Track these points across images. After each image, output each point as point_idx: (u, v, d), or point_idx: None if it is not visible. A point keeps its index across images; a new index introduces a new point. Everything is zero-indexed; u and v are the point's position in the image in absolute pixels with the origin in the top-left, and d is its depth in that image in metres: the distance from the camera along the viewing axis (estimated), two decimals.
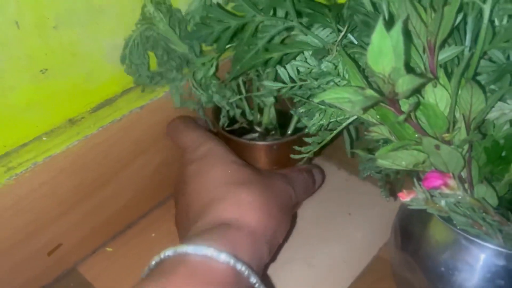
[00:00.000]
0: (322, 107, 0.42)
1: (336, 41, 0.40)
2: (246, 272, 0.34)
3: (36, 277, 0.46)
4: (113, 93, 0.48)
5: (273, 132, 0.52)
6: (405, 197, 0.34)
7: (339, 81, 0.41)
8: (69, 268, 0.49)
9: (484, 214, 0.33)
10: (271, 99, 0.48)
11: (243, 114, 0.51)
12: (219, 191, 0.40)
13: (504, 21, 0.33)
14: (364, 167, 0.48)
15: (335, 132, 0.44)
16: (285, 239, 0.50)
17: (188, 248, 0.33)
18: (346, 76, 0.41)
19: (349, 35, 0.40)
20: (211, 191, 0.40)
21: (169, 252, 0.34)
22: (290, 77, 0.44)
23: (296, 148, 0.46)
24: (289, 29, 0.42)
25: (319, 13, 0.40)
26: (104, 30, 0.44)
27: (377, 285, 0.47)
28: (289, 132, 0.50)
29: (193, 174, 0.42)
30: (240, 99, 0.50)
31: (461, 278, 0.34)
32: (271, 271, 0.48)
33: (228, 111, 0.49)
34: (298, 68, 0.43)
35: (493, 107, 0.32)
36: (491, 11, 0.31)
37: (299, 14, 0.41)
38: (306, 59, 0.43)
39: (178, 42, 0.46)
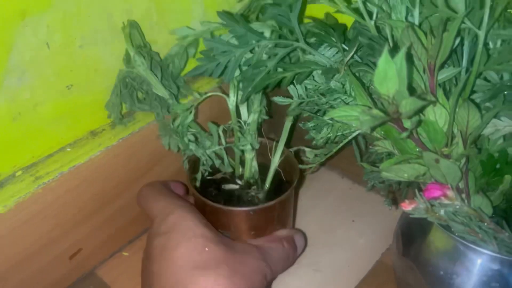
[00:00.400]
0: (330, 122, 0.45)
1: (342, 60, 0.43)
2: None
3: (58, 280, 0.49)
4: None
5: (254, 186, 0.49)
6: (407, 206, 0.37)
7: (345, 98, 0.44)
8: (88, 272, 0.51)
9: (480, 222, 0.36)
10: (249, 148, 0.47)
11: (223, 163, 0.49)
12: (182, 276, 0.37)
13: (498, 44, 0.36)
14: (368, 177, 0.51)
15: (340, 144, 0.47)
16: None
17: None
18: (353, 94, 0.44)
19: (356, 56, 0.42)
20: (174, 275, 0.38)
21: None
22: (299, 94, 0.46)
23: (305, 158, 0.49)
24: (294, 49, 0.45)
25: (325, 34, 0.43)
26: (123, 48, 0.46)
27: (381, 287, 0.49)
28: (266, 186, 0.49)
29: (157, 252, 0.40)
30: (221, 149, 0.48)
31: (459, 282, 0.37)
32: (277, 280, 0.51)
33: (206, 161, 0.47)
34: (306, 85, 0.46)
35: (488, 123, 0.35)
36: (486, 36, 0.34)
37: (304, 34, 0.44)
38: (313, 77, 0.46)
39: (159, 86, 0.46)
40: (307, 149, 0.46)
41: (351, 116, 0.34)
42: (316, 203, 0.59)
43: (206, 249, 0.39)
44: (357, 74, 0.42)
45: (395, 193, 0.52)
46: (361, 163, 0.44)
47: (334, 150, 0.47)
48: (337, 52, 0.45)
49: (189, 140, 0.46)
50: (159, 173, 0.52)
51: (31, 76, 0.41)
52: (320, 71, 0.44)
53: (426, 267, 0.39)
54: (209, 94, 0.46)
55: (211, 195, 0.48)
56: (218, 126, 0.46)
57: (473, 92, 0.36)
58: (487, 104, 0.36)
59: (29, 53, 0.40)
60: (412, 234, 0.42)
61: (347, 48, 0.42)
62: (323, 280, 0.50)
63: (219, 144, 0.47)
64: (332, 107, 0.46)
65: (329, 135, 0.45)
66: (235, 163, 0.49)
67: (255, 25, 0.43)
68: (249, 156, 0.48)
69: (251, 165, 0.48)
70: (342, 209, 0.59)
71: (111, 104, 0.47)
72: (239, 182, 0.49)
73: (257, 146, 0.47)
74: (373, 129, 0.34)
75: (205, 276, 0.37)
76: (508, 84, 0.35)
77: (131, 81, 0.46)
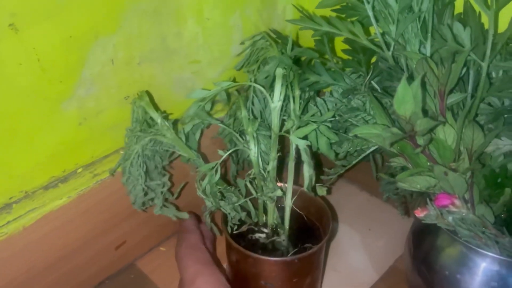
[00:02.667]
0: (350, 137, 0.50)
1: (365, 81, 0.49)
2: None
3: (104, 267, 0.55)
4: (175, 117, 0.57)
5: (280, 230, 0.51)
6: (419, 213, 0.42)
7: (365, 116, 0.50)
8: (129, 263, 0.58)
9: (483, 228, 0.41)
10: (278, 192, 0.48)
11: (248, 215, 0.51)
12: None
13: (500, 74, 0.42)
14: (384, 189, 0.56)
15: (359, 158, 0.52)
16: None
17: None
18: (372, 113, 0.50)
19: (372, 82, 0.48)
20: None
21: None
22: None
23: (325, 169, 0.54)
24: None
25: (353, 61, 0.49)
26: (174, 67, 0.53)
27: None
28: (286, 227, 0.50)
29: None
30: (246, 201, 0.49)
31: (462, 280, 0.42)
32: None
33: (236, 214, 0.48)
34: (328, 103, 0.52)
35: (490, 142, 0.41)
36: (488, 67, 0.40)
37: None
38: (337, 93, 0.51)
39: (185, 149, 0.47)
40: (318, 185, 0.49)
41: (372, 134, 0.40)
42: (336, 213, 0.65)
43: None
44: (375, 97, 0.47)
45: (408, 204, 0.57)
46: (380, 174, 0.49)
47: (353, 163, 0.52)
48: (358, 76, 0.51)
49: (218, 198, 0.47)
50: (192, 195, 0.58)
51: (97, 88, 0.47)
52: (340, 90, 0.50)
53: (434, 267, 0.44)
54: (232, 150, 0.48)
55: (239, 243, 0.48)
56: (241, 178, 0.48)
57: (477, 115, 0.42)
58: (490, 125, 0.41)
59: (97, 68, 0.46)
60: (422, 238, 0.47)
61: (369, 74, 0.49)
62: (341, 279, 0.55)
63: (245, 197, 0.48)
64: (352, 124, 0.52)
65: (349, 149, 0.51)
66: (259, 211, 0.50)
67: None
68: (271, 203, 0.49)
69: (274, 211, 0.50)
70: (360, 219, 0.64)
71: (130, 178, 0.46)
72: (264, 230, 0.51)
73: (280, 193, 0.48)
74: (391, 144, 0.40)
75: None
76: (508, 108, 0.40)
77: (153, 150, 0.47)
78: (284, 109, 0.48)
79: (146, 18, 0.48)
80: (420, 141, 0.40)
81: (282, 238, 0.50)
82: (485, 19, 0.40)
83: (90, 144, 0.50)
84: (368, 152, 0.51)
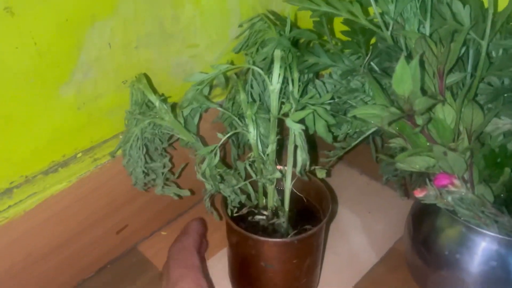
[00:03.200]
0: (349, 119, 0.50)
1: (364, 62, 0.49)
2: None
3: (106, 252, 0.55)
4: (174, 100, 0.57)
5: (280, 212, 0.50)
6: (419, 193, 0.42)
7: (364, 97, 0.50)
8: (131, 247, 0.58)
9: (483, 207, 0.41)
10: (277, 174, 0.47)
11: (248, 197, 0.51)
12: None
13: (500, 53, 0.41)
14: (383, 171, 0.56)
15: (358, 139, 0.52)
16: None
17: None
18: (371, 94, 0.49)
19: (372, 63, 0.48)
20: None
21: None
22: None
23: (325, 152, 0.54)
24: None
25: (352, 42, 0.49)
26: (172, 51, 0.53)
27: (393, 271, 0.54)
28: (286, 209, 0.50)
29: None
30: (246, 184, 0.49)
31: (462, 260, 0.42)
32: None
33: (236, 197, 0.48)
34: (327, 85, 0.52)
35: (489, 122, 0.40)
36: (488, 46, 0.39)
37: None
38: (337, 75, 0.51)
39: (184, 132, 0.47)
40: (317, 168, 0.48)
41: (372, 114, 0.40)
42: (336, 195, 0.65)
43: None
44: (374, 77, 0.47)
45: (407, 185, 0.57)
46: (380, 155, 0.49)
47: (353, 145, 0.52)
48: (358, 57, 0.51)
49: (218, 181, 0.47)
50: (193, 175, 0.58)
51: (95, 72, 0.47)
52: (339, 72, 0.50)
53: (433, 248, 0.45)
54: (231, 133, 0.47)
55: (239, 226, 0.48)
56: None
57: (476, 94, 0.41)
58: (489, 105, 0.41)
59: (94, 52, 0.46)
60: (421, 219, 0.47)
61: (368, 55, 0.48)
62: (342, 262, 0.56)
63: (245, 180, 0.48)
64: (351, 106, 0.51)
65: (348, 131, 0.51)
66: (259, 194, 0.50)
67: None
68: (271, 186, 0.49)
69: (273, 194, 0.50)
70: (359, 202, 0.64)
71: (130, 160, 0.46)
72: (264, 212, 0.51)
73: (279, 175, 0.47)
74: (390, 124, 0.40)
75: None
76: (508, 87, 0.40)
77: (153, 132, 0.47)
78: (283, 91, 0.47)
79: (142, 1, 0.47)
80: (419, 120, 0.39)
81: (282, 220, 0.50)
82: None
83: (89, 129, 0.50)
84: (367, 134, 0.51)
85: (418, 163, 0.42)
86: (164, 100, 0.48)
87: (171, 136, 0.50)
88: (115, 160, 0.50)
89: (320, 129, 0.44)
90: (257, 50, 0.48)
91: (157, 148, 0.48)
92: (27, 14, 0.39)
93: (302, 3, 0.44)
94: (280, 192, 0.50)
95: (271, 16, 0.52)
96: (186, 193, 0.51)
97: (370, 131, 0.50)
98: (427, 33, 0.42)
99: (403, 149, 0.46)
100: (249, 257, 0.47)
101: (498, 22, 0.38)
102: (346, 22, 0.47)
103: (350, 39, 0.50)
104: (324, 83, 0.51)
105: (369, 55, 0.47)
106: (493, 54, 0.41)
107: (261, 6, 0.60)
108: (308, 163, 0.45)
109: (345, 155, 0.54)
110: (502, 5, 0.39)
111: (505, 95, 0.40)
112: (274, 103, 0.45)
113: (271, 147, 0.46)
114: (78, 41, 0.44)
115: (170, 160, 0.51)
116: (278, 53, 0.43)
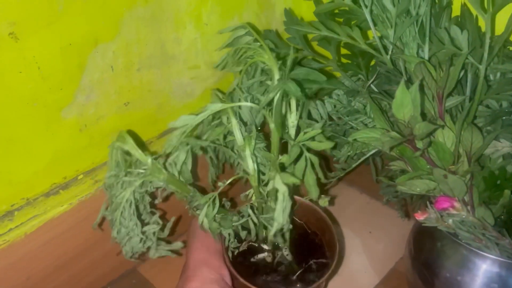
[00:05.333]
0: (350, 141, 0.50)
1: (364, 84, 0.49)
2: None
3: (105, 273, 0.55)
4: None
5: (280, 244, 0.49)
6: (420, 216, 0.43)
7: (364, 119, 0.50)
8: (131, 268, 0.58)
9: (483, 230, 0.41)
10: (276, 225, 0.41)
11: (248, 232, 0.48)
12: None
13: (497, 76, 0.42)
14: (384, 192, 0.56)
15: (359, 161, 0.52)
16: None
17: None
18: (371, 116, 0.50)
19: (371, 85, 0.49)
20: None
21: None
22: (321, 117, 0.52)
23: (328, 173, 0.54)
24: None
25: (353, 64, 0.49)
26: (173, 73, 0.54)
27: None
28: (286, 239, 0.49)
29: None
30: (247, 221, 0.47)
31: (463, 282, 0.42)
32: None
33: (235, 236, 0.47)
34: (331, 104, 0.52)
35: (489, 144, 0.41)
36: (486, 70, 0.40)
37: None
38: (338, 96, 0.52)
39: (182, 186, 0.43)
40: (321, 197, 0.47)
41: (372, 138, 0.40)
42: (337, 216, 0.65)
43: None
44: (375, 99, 0.48)
45: (408, 206, 0.57)
46: (380, 177, 0.49)
47: (353, 166, 0.53)
48: (358, 79, 0.52)
49: (219, 226, 0.45)
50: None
51: (97, 94, 0.48)
52: (342, 92, 0.51)
53: (434, 270, 0.44)
54: (230, 179, 0.45)
55: (243, 267, 0.47)
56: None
57: (475, 117, 0.42)
58: (488, 128, 0.42)
59: (97, 75, 0.47)
60: (422, 241, 0.47)
61: (369, 77, 0.49)
62: (341, 283, 0.56)
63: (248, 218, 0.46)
64: (352, 128, 0.52)
65: (349, 153, 0.51)
66: (259, 227, 0.48)
67: None
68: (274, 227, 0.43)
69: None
70: (360, 222, 0.64)
71: (121, 229, 0.42)
72: (265, 247, 0.49)
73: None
74: (391, 149, 0.40)
75: None
76: (506, 110, 0.41)
77: (141, 192, 0.42)
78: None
79: (144, 24, 0.48)
80: (420, 144, 0.40)
81: (286, 253, 0.48)
82: (482, 23, 0.40)
83: (90, 151, 0.50)
84: (368, 155, 0.51)
85: (418, 186, 0.42)
86: (156, 158, 0.42)
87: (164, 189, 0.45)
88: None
89: (309, 182, 0.40)
90: (246, 70, 0.44)
91: (145, 207, 0.44)
92: (31, 39, 0.40)
93: (303, 28, 0.45)
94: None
95: (255, 28, 0.47)
96: (178, 245, 0.46)
97: (370, 153, 0.50)
98: (426, 57, 0.42)
99: (403, 171, 0.46)
100: None
101: (496, 46, 0.39)
102: (346, 45, 0.48)
103: (350, 61, 0.50)
104: (324, 102, 0.51)
105: (372, 79, 0.47)
106: (491, 77, 0.42)
107: (262, 27, 0.60)
108: (287, 227, 0.43)
109: (345, 175, 0.54)
110: (499, 29, 0.40)
111: (504, 118, 0.41)
112: (274, 149, 0.41)
113: (271, 184, 0.39)
114: (81, 64, 0.45)
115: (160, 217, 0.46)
116: (279, 99, 0.38)
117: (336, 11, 0.48)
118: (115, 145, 0.41)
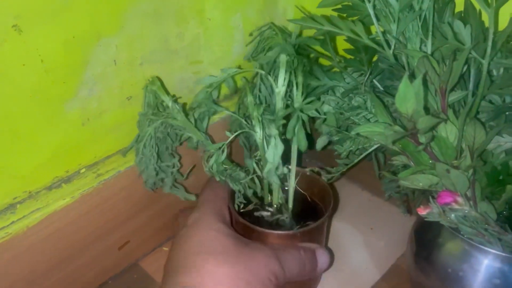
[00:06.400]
0: (352, 136, 0.50)
1: (364, 80, 0.49)
2: None
3: (107, 268, 0.55)
4: None
5: (283, 209, 0.53)
6: (422, 211, 0.42)
7: (366, 114, 0.50)
8: (132, 263, 0.58)
9: (486, 225, 0.41)
10: (268, 165, 0.47)
11: (255, 193, 0.53)
12: (188, 260, 0.41)
13: (501, 71, 0.42)
14: (386, 187, 0.56)
15: (361, 156, 0.52)
16: None
17: None
18: (373, 111, 0.50)
19: (374, 81, 0.49)
20: (183, 259, 0.41)
21: None
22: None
23: (327, 168, 0.55)
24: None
25: (355, 60, 0.49)
26: (175, 68, 0.54)
27: None
28: (290, 206, 0.52)
29: (179, 239, 0.44)
30: (253, 180, 0.51)
31: (465, 278, 0.42)
32: None
33: (242, 192, 0.50)
34: (330, 102, 0.52)
35: (491, 140, 0.41)
36: (489, 65, 0.40)
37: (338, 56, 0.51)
38: (338, 96, 0.52)
39: (195, 131, 0.49)
40: (322, 171, 0.51)
41: (375, 132, 0.40)
42: (338, 212, 0.65)
43: (215, 240, 0.42)
44: (378, 96, 0.48)
45: (409, 202, 0.57)
46: (382, 172, 0.49)
47: (356, 161, 0.53)
48: (360, 75, 0.52)
49: (225, 176, 0.49)
50: (197, 177, 0.59)
51: (100, 88, 0.48)
52: (341, 90, 0.51)
53: (436, 265, 0.44)
54: (239, 132, 0.49)
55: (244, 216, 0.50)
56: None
57: (478, 112, 0.42)
58: (491, 123, 0.42)
59: (99, 69, 0.47)
60: (424, 236, 0.47)
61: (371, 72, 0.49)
62: (342, 278, 0.56)
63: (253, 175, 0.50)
64: (354, 123, 0.52)
65: (351, 148, 0.51)
66: (264, 192, 0.52)
67: None
68: (276, 184, 0.50)
69: (278, 191, 0.52)
70: (361, 218, 0.64)
71: (142, 158, 0.48)
72: (269, 209, 0.53)
73: (286, 170, 0.49)
74: (394, 142, 0.40)
75: (208, 260, 0.40)
76: (509, 105, 0.41)
77: (164, 132, 0.49)
78: (288, 94, 0.49)
79: (148, 19, 0.48)
80: (422, 139, 0.40)
81: (286, 216, 0.52)
82: (485, 17, 0.40)
83: (93, 145, 0.50)
84: (370, 150, 0.51)
85: (421, 180, 0.42)
86: (175, 100, 0.49)
87: (181, 136, 0.52)
88: (118, 176, 0.50)
89: (299, 136, 0.46)
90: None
91: (167, 148, 0.50)
92: (34, 31, 0.40)
93: (306, 23, 0.45)
94: (285, 191, 0.52)
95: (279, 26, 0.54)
96: (191, 197, 0.53)
97: (372, 148, 0.50)
98: (429, 52, 0.42)
99: (405, 166, 0.46)
100: None
101: (499, 41, 0.39)
102: (349, 40, 0.48)
103: (352, 57, 0.50)
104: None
105: (368, 74, 0.48)
106: (494, 72, 0.42)
107: (265, 23, 0.60)
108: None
109: (347, 170, 0.54)
110: (503, 24, 0.40)
111: (507, 113, 0.41)
112: (278, 105, 0.47)
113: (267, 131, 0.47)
114: (84, 58, 0.45)
115: (179, 161, 0.52)
116: (283, 58, 0.46)
117: (339, 6, 0.48)
118: (147, 88, 0.49)
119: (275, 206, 0.52)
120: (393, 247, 0.59)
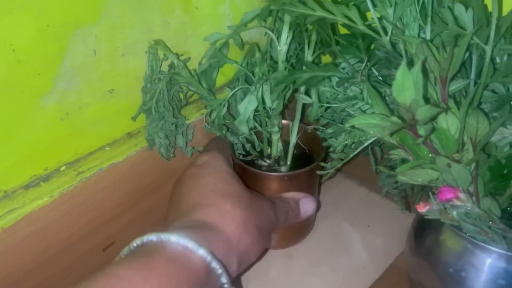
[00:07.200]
0: (348, 129, 0.48)
1: (361, 69, 0.47)
2: (219, 271, 0.35)
3: (91, 270, 0.52)
4: None
5: (281, 162, 0.56)
6: (422, 208, 0.40)
7: (362, 105, 0.48)
8: None
9: (490, 223, 0.39)
10: (275, 129, 0.52)
11: (253, 147, 0.56)
12: (206, 197, 0.42)
13: (504, 58, 0.39)
14: (383, 183, 0.54)
15: (357, 150, 0.50)
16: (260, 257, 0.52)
17: (171, 237, 0.34)
18: (369, 101, 0.47)
19: (373, 69, 0.46)
20: (199, 195, 0.43)
21: (152, 237, 0.35)
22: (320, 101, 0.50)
23: (322, 164, 0.52)
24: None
25: (353, 46, 0.47)
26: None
27: None
28: (288, 161, 0.55)
29: (189, 177, 0.46)
30: (251, 134, 0.53)
31: (468, 278, 0.40)
32: (300, 274, 0.54)
33: (241, 144, 0.54)
34: (325, 92, 0.50)
35: (495, 131, 0.38)
36: (492, 51, 0.37)
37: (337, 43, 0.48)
38: (333, 86, 0.49)
39: (198, 86, 0.51)
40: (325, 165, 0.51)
41: (371, 124, 0.37)
42: (334, 209, 0.62)
43: (229, 183, 0.45)
44: (373, 85, 0.45)
45: (408, 198, 0.55)
46: (379, 167, 0.47)
47: (351, 156, 0.50)
48: (358, 61, 0.49)
49: (226, 130, 0.53)
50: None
51: (79, 81, 0.45)
52: (337, 79, 0.48)
53: (437, 265, 0.42)
54: (238, 88, 0.51)
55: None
56: None
57: (481, 103, 0.39)
58: (494, 113, 0.39)
59: (78, 60, 0.44)
60: (424, 234, 0.45)
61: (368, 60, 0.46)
62: (340, 278, 0.53)
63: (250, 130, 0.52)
64: (349, 115, 0.49)
65: (346, 142, 0.49)
66: (264, 144, 0.55)
67: None
68: (275, 137, 0.54)
69: (277, 145, 0.55)
70: (359, 215, 0.62)
71: (157, 115, 0.49)
72: (268, 161, 0.56)
73: (280, 125, 0.53)
74: (391, 134, 0.37)
75: (225, 201, 0.42)
76: None
77: (175, 83, 0.51)
78: (296, 53, 0.51)
79: (130, 7, 0.45)
80: (421, 131, 0.37)
81: (283, 168, 0.55)
82: (488, 1, 0.37)
83: (73, 141, 0.47)
84: (366, 144, 0.48)
85: (420, 176, 0.40)
86: (179, 58, 0.50)
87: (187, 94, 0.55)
88: (100, 174, 0.48)
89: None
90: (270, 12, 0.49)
91: (176, 107, 0.52)
92: (3, 19, 0.37)
93: (297, 8, 0.42)
94: (284, 143, 0.56)
95: None
96: (200, 148, 0.55)
97: (369, 142, 0.47)
98: (428, 38, 0.40)
99: (403, 161, 0.43)
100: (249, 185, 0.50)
101: (503, 26, 0.36)
102: (345, 25, 0.45)
103: (349, 43, 0.48)
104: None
105: (365, 63, 0.45)
106: (498, 60, 0.39)
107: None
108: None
109: (343, 166, 0.52)
110: (507, 8, 0.37)
111: (511, 103, 0.38)
112: (281, 63, 0.49)
113: (276, 103, 0.51)
114: (61, 48, 0.42)
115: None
116: (287, 18, 0.47)
117: None
118: (150, 50, 0.49)
119: (273, 158, 0.56)
120: (392, 246, 0.57)
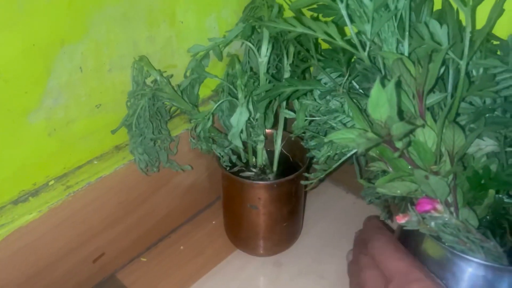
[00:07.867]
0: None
1: (342, 82, 0.47)
2: None
3: (82, 281, 0.53)
4: None
5: (267, 170, 0.57)
6: (401, 219, 0.41)
7: (344, 118, 0.48)
8: (109, 275, 0.56)
9: (468, 233, 0.40)
10: (261, 138, 0.54)
11: (239, 158, 0.57)
12: None
13: (480, 72, 0.40)
14: (366, 193, 0.55)
15: (339, 162, 0.51)
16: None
17: None
18: (351, 114, 0.48)
19: (353, 82, 0.47)
20: None
21: None
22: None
23: (305, 174, 0.53)
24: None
25: (334, 60, 0.47)
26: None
27: None
28: (274, 169, 0.57)
29: None
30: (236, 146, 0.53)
31: (448, 286, 0.41)
32: (287, 283, 0.54)
33: (227, 156, 0.55)
34: (308, 106, 0.51)
35: (472, 143, 0.39)
36: (467, 65, 0.38)
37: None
38: (315, 99, 0.50)
39: (181, 101, 0.52)
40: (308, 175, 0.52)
41: (349, 138, 0.38)
42: (322, 216, 0.63)
43: None
44: (354, 98, 0.46)
45: (391, 207, 0.55)
46: (360, 180, 0.47)
47: (333, 167, 0.51)
48: (339, 75, 0.50)
49: (211, 143, 0.54)
50: (176, 185, 0.57)
51: (66, 97, 0.46)
52: (319, 92, 0.49)
53: None
54: (222, 100, 0.52)
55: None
56: None
57: (458, 115, 0.40)
58: (471, 125, 0.40)
59: (65, 77, 0.45)
60: (406, 243, 0.45)
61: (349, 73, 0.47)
62: (328, 286, 0.54)
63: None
64: (331, 127, 0.50)
65: (329, 153, 0.50)
66: (249, 154, 0.57)
67: None
68: (260, 146, 0.55)
69: (262, 154, 0.56)
70: (346, 222, 0.62)
71: (136, 131, 0.50)
72: (254, 170, 0.57)
73: (263, 139, 0.54)
74: (368, 150, 0.38)
75: None
76: (489, 107, 0.39)
77: (157, 100, 0.52)
78: (276, 64, 0.53)
79: (115, 24, 0.46)
80: (399, 144, 0.38)
81: (269, 177, 0.56)
82: (463, 17, 0.38)
83: (61, 155, 0.48)
84: (348, 155, 0.49)
85: (399, 188, 0.40)
86: (162, 75, 0.51)
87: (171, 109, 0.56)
88: (89, 187, 0.48)
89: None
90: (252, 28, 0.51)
91: (158, 124, 0.52)
92: None
93: (278, 25, 0.43)
94: (269, 153, 0.57)
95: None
96: (187, 167, 0.56)
97: (351, 153, 0.48)
98: (406, 53, 0.41)
99: (385, 172, 0.44)
100: (237, 199, 0.54)
101: (477, 41, 0.37)
102: (325, 40, 0.46)
103: (330, 57, 0.48)
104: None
105: (347, 76, 0.46)
106: (474, 73, 0.40)
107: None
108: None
109: (330, 173, 0.53)
110: (481, 23, 0.38)
111: (487, 115, 0.39)
112: (262, 74, 0.51)
113: (259, 114, 0.52)
114: (47, 66, 0.43)
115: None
116: (266, 33, 0.49)
117: (314, 6, 0.46)
118: (135, 65, 0.50)
119: (259, 167, 0.57)
120: None
